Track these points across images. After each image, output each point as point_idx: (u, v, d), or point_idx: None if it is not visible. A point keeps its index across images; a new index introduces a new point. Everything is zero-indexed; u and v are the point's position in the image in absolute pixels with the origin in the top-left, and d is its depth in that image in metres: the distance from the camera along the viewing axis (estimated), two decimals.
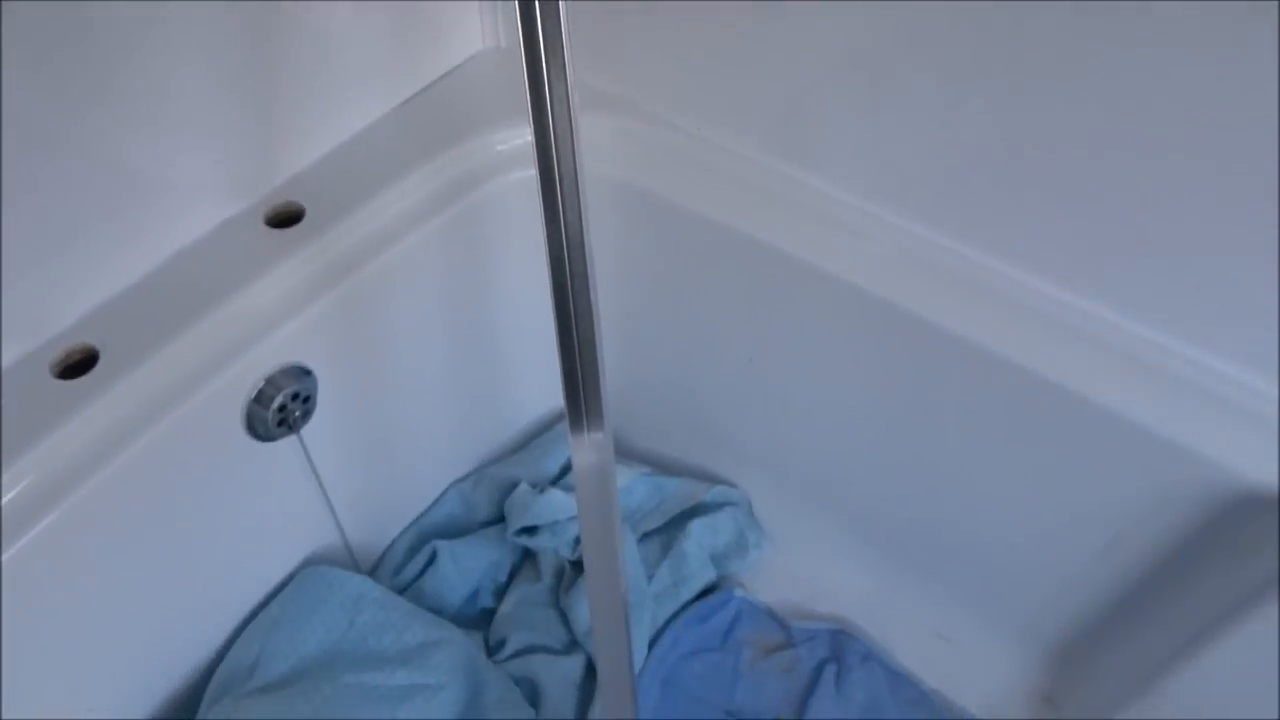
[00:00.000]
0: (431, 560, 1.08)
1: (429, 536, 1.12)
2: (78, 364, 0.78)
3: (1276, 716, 0.80)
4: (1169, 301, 0.80)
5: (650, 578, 1.09)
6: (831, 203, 0.93)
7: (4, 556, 0.70)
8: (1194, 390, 0.80)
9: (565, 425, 0.70)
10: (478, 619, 1.09)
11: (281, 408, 0.85)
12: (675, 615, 1.09)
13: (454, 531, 1.13)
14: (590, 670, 1.03)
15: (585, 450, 0.70)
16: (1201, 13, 0.64)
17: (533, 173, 0.60)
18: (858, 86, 0.85)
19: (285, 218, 0.89)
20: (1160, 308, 0.81)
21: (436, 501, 1.15)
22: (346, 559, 1.05)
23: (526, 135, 0.60)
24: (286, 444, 0.89)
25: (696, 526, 1.11)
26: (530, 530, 1.09)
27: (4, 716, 0.74)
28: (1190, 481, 0.82)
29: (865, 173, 0.90)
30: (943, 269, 0.88)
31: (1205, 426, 0.80)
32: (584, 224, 0.63)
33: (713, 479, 1.18)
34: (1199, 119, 0.69)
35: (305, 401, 0.87)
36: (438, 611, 1.04)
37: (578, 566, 1.08)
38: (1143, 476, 0.84)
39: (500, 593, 1.10)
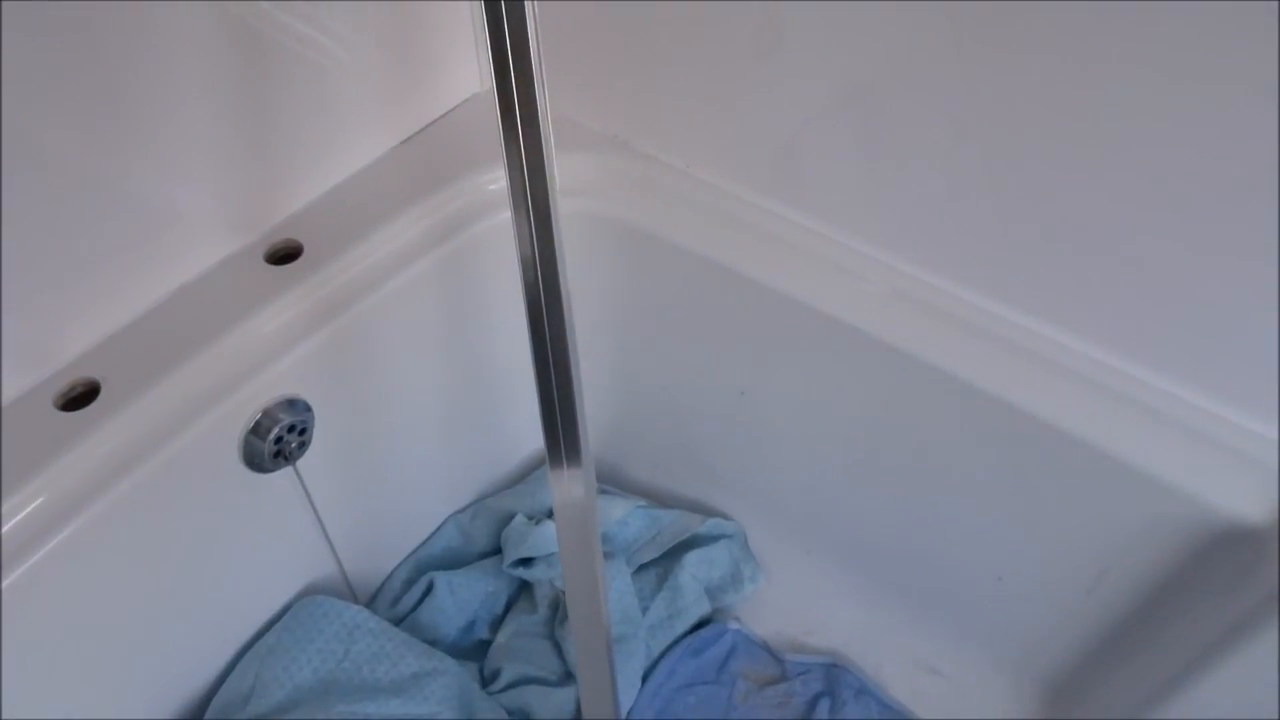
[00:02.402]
0: (428, 591, 1.09)
1: (426, 568, 1.13)
2: (80, 396, 0.80)
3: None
4: (1156, 339, 0.81)
5: (645, 610, 1.09)
6: (823, 241, 0.94)
7: (4, 583, 0.72)
8: (1178, 426, 0.81)
9: None
10: (474, 650, 1.10)
11: (278, 440, 0.87)
12: (670, 647, 1.09)
13: (452, 563, 1.14)
14: None
15: (565, 486, 0.71)
16: (1197, 61, 0.65)
17: None
18: (850, 126, 0.86)
19: (284, 254, 0.91)
20: (1148, 346, 0.82)
21: (435, 533, 1.17)
22: (344, 589, 1.07)
23: None
24: (283, 475, 0.91)
25: (692, 559, 1.12)
26: (526, 562, 1.10)
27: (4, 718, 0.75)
28: (1175, 516, 0.82)
29: (857, 211, 0.92)
30: (933, 307, 0.90)
31: (1189, 462, 0.80)
32: (559, 263, 0.64)
33: (708, 511, 1.19)
34: (1196, 164, 0.70)
35: (302, 434, 0.89)
36: (434, 642, 1.05)
37: None
38: (1129, 511, 0.84)
39: (496, 624, 1.11)
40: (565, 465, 0.70)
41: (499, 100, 0.58)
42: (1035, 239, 0.82)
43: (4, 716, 0.75)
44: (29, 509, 0.74)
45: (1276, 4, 0.60)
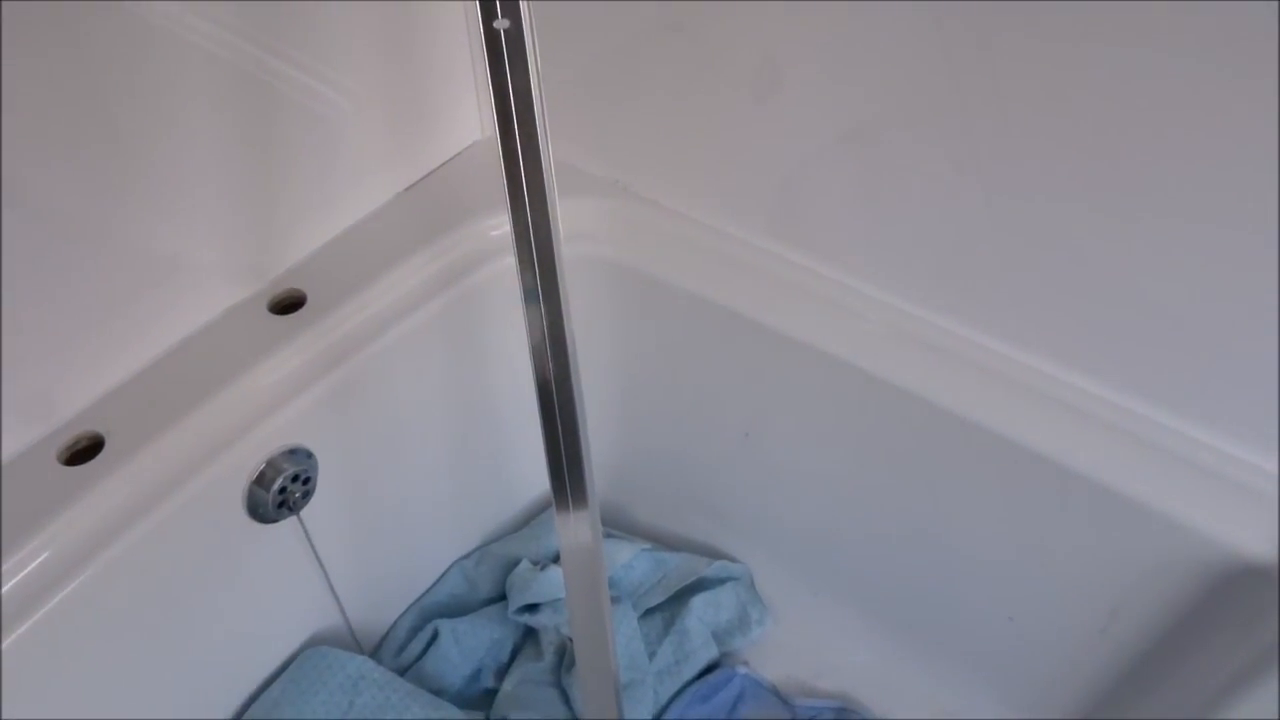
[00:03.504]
0: (433, 640, 1.08)
1: (431, 615, 1.12)
2: (84, 450, 0.80)
3: None
4: (1162, 377, 0.81)
5: (652, 655, 1.08)
6: (824, 281, 0.95)
7: (9, 639, 0.71)
8: (1187, 465, 0.81)
9: None
10: (480, 699, 1.09)
11: (282, 489, 0.87)
12: (678, 693, 1.08)
13: (457, 609, 1.13)
14: None
15: (572, 530, 0.71)
16: (1200, 98, 0.66)
17: None
18: (849, 166, 0.87)
19: (288, 304, 0.91)
20: (1153, 383, 0.82)
21: (439, 580, 1.16)
22: (348, 639, 1.06)
23: None
24: (287, 525, 0.90)
25: (698, 602, 1.11)
26: (532, 608, 1.09)
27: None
28: (1187, 553, 0.81)
29: (857, 251, 0.92)
30: (936, 346, 0.90)
31: (1200, 500, 0.80)
32: (564, 309, 0.65)
33: (714, 554, 1.18)
34: (1194, 199, 0.70)
35: (306, 483, 0.89)
36: (439, 692, 1.04)
37: None
38: (1140, 549, 0.84)
39: (502, 672, 1.10)
40: (571, 509, 0.70)
41: (502, 152, 0.59)
42: (1037, 277, 0.82)
43: None
44: (33, 564, 0.74)
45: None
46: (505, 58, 0.56)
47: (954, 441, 0.90)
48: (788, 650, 1.12)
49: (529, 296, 0.63)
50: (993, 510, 0.93)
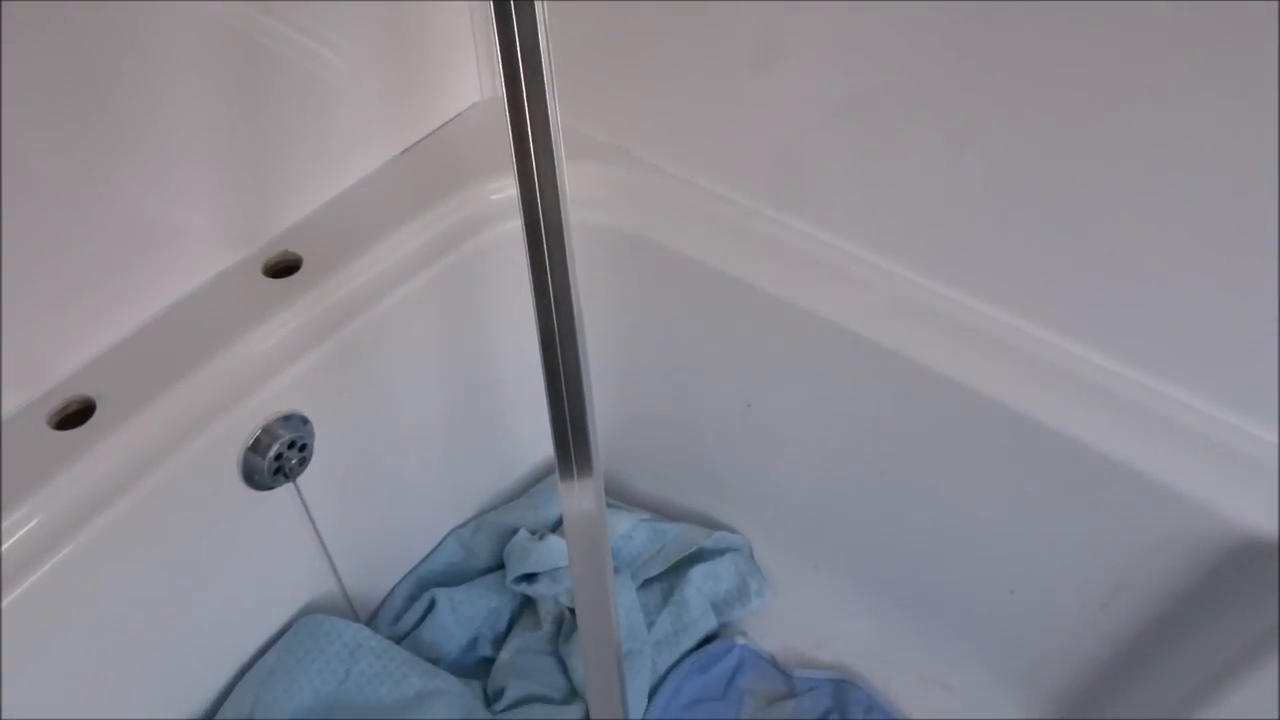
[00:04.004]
0: (430, 608, 1.07)
1: (428, 584, 1.11)
2: (75, 414, 0.79)
3: None
4: (1169, 348, 0.80)
5: (651, 625, 1.08)
6: (827, 249, 0.93)
7: (2, 603, 0.70)
8: (1194, 437, 0.80)
9: None
10: (476, 667, 1.08)
11: (278, 456, 0.85)
12: (676, 664, 1.07)
13: (453, 578, 1.13)
14: None
15: (575, 498, 0.70)
16: (1203, 65, 0.65)
17: None
18: (852, 135, 0.85)
19: (283, 268, 0.90)
20: (1160, 354, 0.81)
21: (436, 548, 1.15)
22: (344, 607, 1.05)
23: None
24: (283, 492, 0.89)
25: (698, 573, 1.10)
26: (529, 577, 1.08)
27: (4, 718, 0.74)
28: (1192, 529, 0.81)
29: (860, 219, 0.91)
30: (939, 315, 0.89)
31: (1206, 473, 0.79)
32: (571, 275, 0.63)
33: (713, 524, 1.17)
34: (1200, 169, 0.69)
35: (302, 450, 0.88)
36: (436, 660, 1.04)
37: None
38: (1145, 523, 0.83)
39: (499, 641, 1.09)
40: (575, 476, 0.68)
41: (509, 111, 0.57)
42: (1039, 245, 0.81)
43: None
44: (25, 530, 0.73)
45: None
46: (514, 16, 0.54)
47: (957, 411, 0.89)
48: (787, 621, 1.12)
49: (535, 260, 0.61)
50: (996, 482, 0.92)
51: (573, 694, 1.03)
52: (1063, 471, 0.86)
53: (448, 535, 1.16)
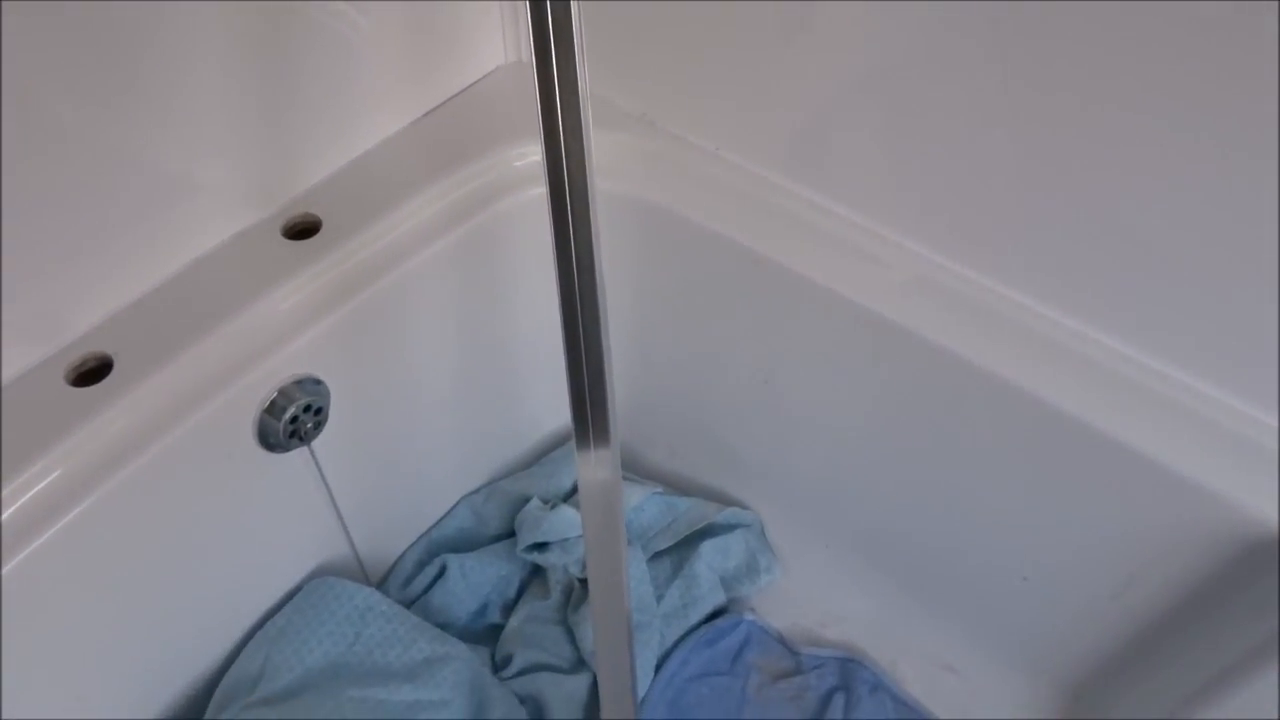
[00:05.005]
0: (441, 574, 1.07)
1: (439, 550, 1.11)
2: (91, 371, 0.79)
3: None
4: (1194, 339, 0.79)
5: (660, 598, 1.08)
6: (849, 226, 0.92)
7: (16, 559, 0.71)
8: (1216, 430, 0.79)
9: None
10: (485, 634, 1.09)
11: (293, 419, 0.85)
12: (684, 637, 1.08)
13: (464, 545, 1.13)
14: (596, 690, 1.02)
15: (592, 468, 0.70)
16: (1228, 53, 0.63)
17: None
18: (878, 111, 0.84)
19: (302, 229, 0.89)
20: (1185, 345, 0.80)
21: (447, 514, 1.15)
22: (356, 570, 1.05)
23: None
24: (297, 455, 0.89)
25: (707, 548, 1.10)
26: (540, 546, 1.08)
27: (4, 716, 0.74)
28: (1209, 522, 0.80)
29: (883, 198, 0.90)
30: (959, 296, 0.87)
31: (1227, 467, 0.78)
32: (594, 243, 0.62)
33: (725, 500, 1.17)
34: (1224, 158, 0.68)
35: (317, 413, 0.87)
36: (445, 625, 1.04)
37: (586, 584, 1.08)
38: (1160, 515, 0.82)
39: (508, 608, 1.10)
40: (593, 446, 0.68)
41: (538, 73, 0.55)
42: (1064, 231, 0.79)
43: (5, 685, 0.73)
44: (42, 485, 0.73)
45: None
46: None
47: (974, 394, 0.88)
48: (795, 599, 1.12)
49: (559, 226, 0.60)
50: (1013, 467, 0.91)
51: (580, 663, 1.03)
52: (1079, 459, 0.85)
53: (459, 502, 1.16)
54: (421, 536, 1.13)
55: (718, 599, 1.10)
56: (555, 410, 1.19)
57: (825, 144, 0.90)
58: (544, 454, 1.21)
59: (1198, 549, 0.81)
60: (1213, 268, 0.73)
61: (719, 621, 1.09)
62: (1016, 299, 0.86)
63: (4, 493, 0.71)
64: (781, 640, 1.09)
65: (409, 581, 1.09)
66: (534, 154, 0.97)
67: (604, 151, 0.97)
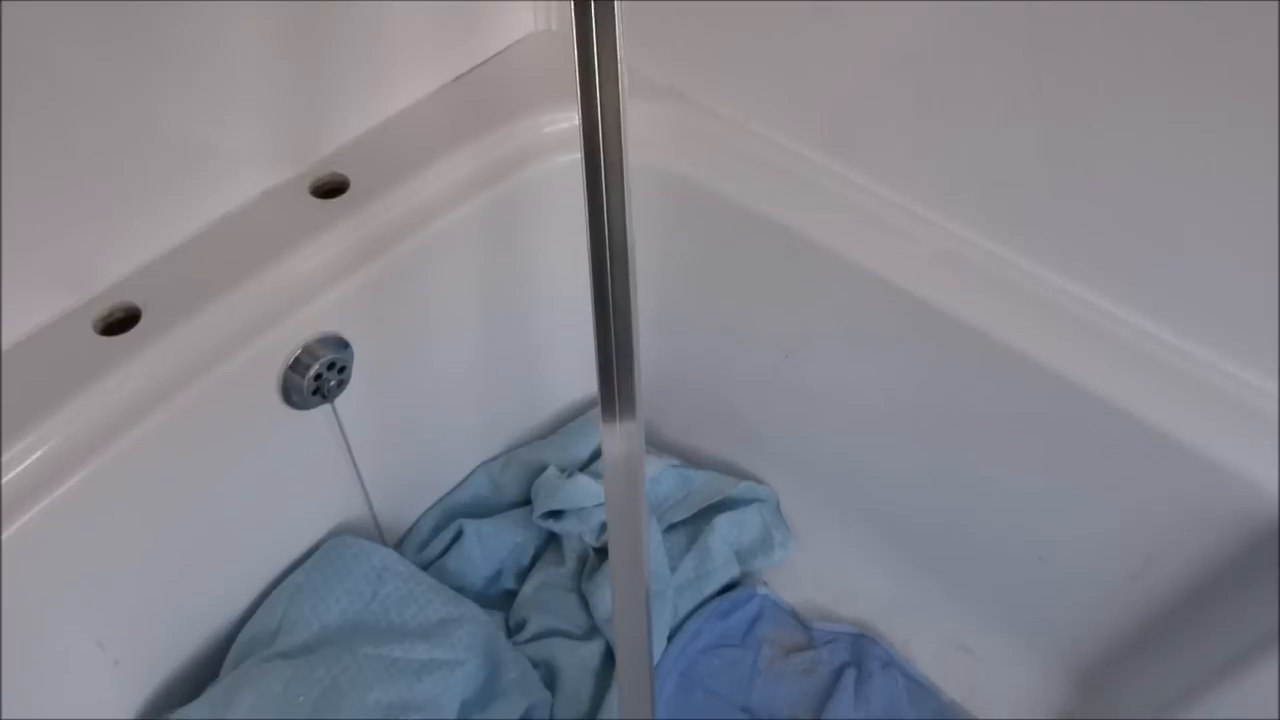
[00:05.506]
0: (457, 538, 1.08)
1: (455, 515, 1.12)
2: (119, 322, 0.79)
3: None
4: (1220, 320, 0.78)
5: (674, 569, 1.08)
6: (876, 200, 0.92)
7: (42, 503, 0.71)
8: (1240, 409, 0.78)
9: (597, 412, 0.69)
10: (499, 599, 1.10)
11: (317, 376, 0.86)
12: (697, 609, 1.08)
13: (481, 511, 1.13)
14: (608, 657, 1.02)
15: (616, 440, 0.69)
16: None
17: (578, 157, 0.60)
18: (909, 85, 0.84)
19: (330, 189, 0.89)
20: (1211, 326, 0.79)
21: (464, 481, 1.15)
22: (373, 532, 1.06)
23: (574, 119, 0.60)
24: (320, 413, 0.89)
25: (723, 522, 1.11)
26: (556, 514, 1.09)
27: (24, 651, 0.75)
28: (1232, 502, 0.79)
29: (912, 172, 0.89)
30: (986, 273, 0.87)
31: (1250, 446, 0.78)
32: (628, 213, 0.62)
33: (741, 474, 1.17)
34: (1244, 135, 0.67)
35: (341, 372, 0.88)
36: (459, 590, 1.04)
37: (601, 553, 1.08)
38: (1182, 494, 0.82)
39: (523, 575, 1.10)
40: (619, 420, 0.68)
41: (577, 33, 0.55)
42: (1093, 208, 0.79)
43: (26, 632, 0.74)
44: (64, 433, 0.73)
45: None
46: None
47: (998, 371, 0.88)
48: (809, 575, 1.12)
49: (593, 197, 0.60)
50: (1033, 446, 0.91)
51: (593, 630, 1.04)
52: (1100, 436, 0.84)
53: (476, 469, 1.17)
54: (438, 502, 1.14)
55: (731, 572, 1.10)
56: (576, 380, 1.19)
57: (856, 117, 0.90)
58: (563, 423, 1.21)
59: (1218, 530, 0.81)
60: (1243, 247, 0.73)
61: (732, 594, 1.09)
62: (1045, 276, 0.85)
63: (32, 437, 0.72)
64: (794, 615, 1.09)
65: (425, 545, 1.10)
66: (564, 120, 0.96)
67: (633, 122, 0.96)
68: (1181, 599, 0.88)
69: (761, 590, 1.10)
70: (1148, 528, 0.86)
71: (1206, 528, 0.82)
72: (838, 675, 1.05)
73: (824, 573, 1.12)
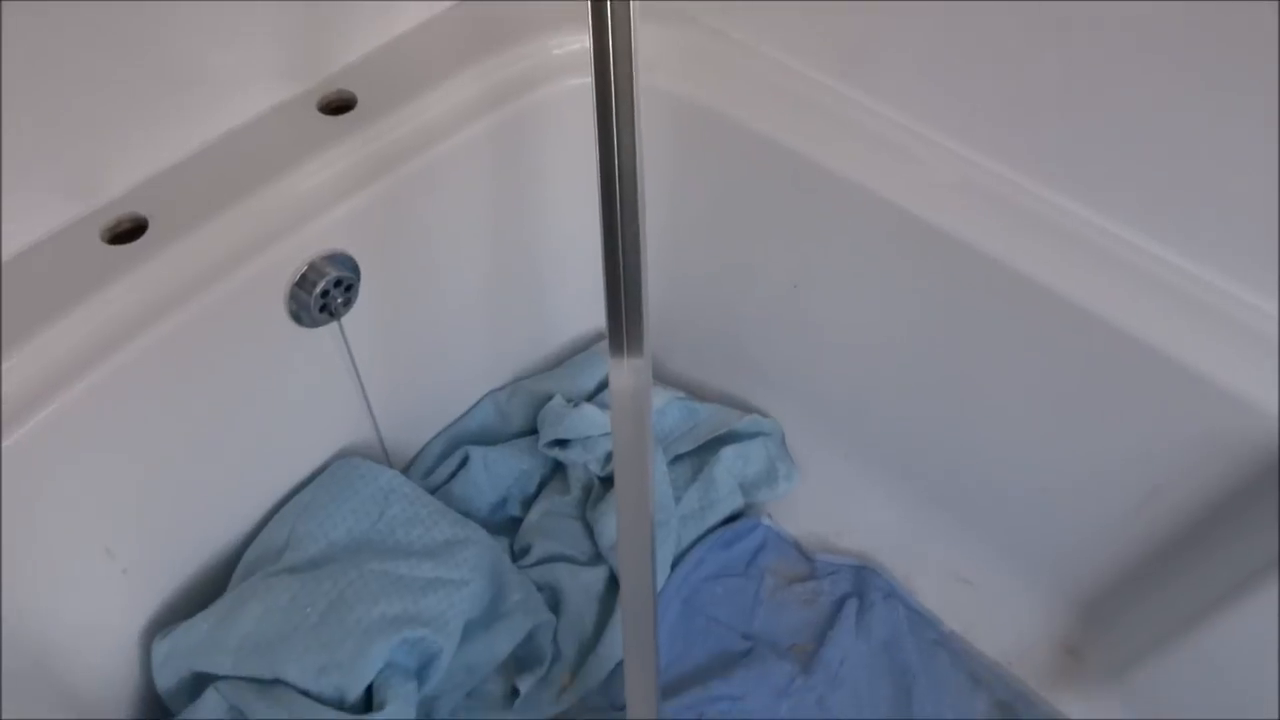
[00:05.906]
0: (463, 464, 1.09)
1: (462, 442, 1.12)
2: (127, 232, 0.79)
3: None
4: (1237, 247, 0.77)
5: (678, 499, 1.09)
6: (891, 125, 0.91)
7: (48, 409, 0.72)
8: (1253, 337, 0.78)
9: (604, 345, 0.69)
10: (504, 526, 1.10)
11: (324, 293, 0.86)
12: (700, 538, 1.09)
13: (487, 439, 1.14)
14: (611, 583, 1.03)
15: (623, 374, 0.69)
16: None
17: (587, 80, 0.59)
18: (930, 11, 0.82)
19: (338, 105, 0.89)
20: (1227, 253, 0.78)
21: (471, 409, 1.16)
22: (380, 456, 1.06)
23: (583, 41, 0.59)
24: (327, 332, 0.89)
25: (728, 453, 1.11)
26: (562, 443, 1.09)
27: (32, 555, 0.76)
28: (1239, 431, 0.79)
29: (927, 97, 0.88)
30: (1000, 199, 0.86)
31: (1260, 376, 0.77)
32: (637, 136, 0.61)
33: (747, 408, 1.17)
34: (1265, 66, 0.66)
35: (348, 290, 0.88)
36: (465, 515, 1.05)
37: (606, 482, 1.09)
38: (1190, 422, 0.81)
39: (528, 503, 1.11)
40: (626, 355, 0.68)
41: None
42: (1109, 137, 0.78)
43: (36, 536, 0.75)
44: (72, 340, 0.74)
45: None
46: None
47: (1007, 298, 0.87)
48: (813, 507, 1.12)
49: (602, 119, 0.59)
50: (1039, 373, 0.90)
51: (596, 557, 1.05)
52: (1112, 365, 0.83)
53: (483, 398, 1.17)
54: (444, 429, 1.14)
55: (735, 503, 1.10)
56: (582, 311, 1.19)
57: (871, 41, 0.89)
58: (569, 354, 1.21)
59: (1224, 460, 0.81)
60: (1247, 171, 0.72)
61: (736, 525, 1.10)
62: (1059, 202, 0.85)
63: (38, 343, 0.72)
64: (797, 546, 1.10)
65: (431, 471, 1.11)
66: (573, 43, 0.95)
67: (643, 46, 0.95)
68: (1183, 530, 0.88)
69: (765, 521, 1.11)
70: (1153, 457, 0.86)
71: (1211, 458, 0.82)
72: (839, 605, 1.05)
73: (827, 506, 1.12)
